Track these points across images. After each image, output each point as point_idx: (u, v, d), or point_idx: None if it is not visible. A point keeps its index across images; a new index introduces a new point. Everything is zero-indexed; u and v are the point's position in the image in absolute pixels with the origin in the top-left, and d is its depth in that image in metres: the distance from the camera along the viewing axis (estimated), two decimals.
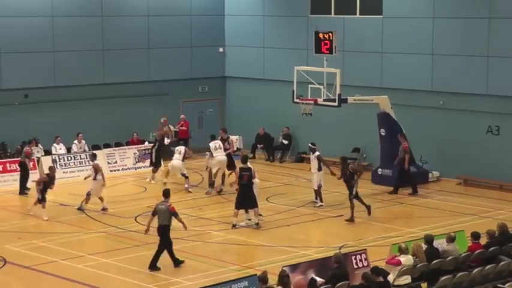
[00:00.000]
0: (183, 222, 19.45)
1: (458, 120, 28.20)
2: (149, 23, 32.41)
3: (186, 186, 26.68)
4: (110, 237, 21.66)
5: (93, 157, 25.46)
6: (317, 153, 24.43)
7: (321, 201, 24.65)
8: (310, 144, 24.90)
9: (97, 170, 24.22)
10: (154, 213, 19.16)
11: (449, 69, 28.17)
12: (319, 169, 24.37)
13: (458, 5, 28.01)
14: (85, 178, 24.83)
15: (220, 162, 26.28)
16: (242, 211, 22.16)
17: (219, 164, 26.25)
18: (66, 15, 30.38)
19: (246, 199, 21.95)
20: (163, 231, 18.97)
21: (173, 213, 19.09)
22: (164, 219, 18.98)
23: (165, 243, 18.97)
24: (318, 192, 24.65)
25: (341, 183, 28.05)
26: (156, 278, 18.38)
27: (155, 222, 19.27)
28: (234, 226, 22.07)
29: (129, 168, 30.03)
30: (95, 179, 24.19)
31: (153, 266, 18.80)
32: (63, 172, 28.26)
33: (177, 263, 19.03)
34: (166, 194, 19.37)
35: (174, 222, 19.34)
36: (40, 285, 18.36)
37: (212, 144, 26.44)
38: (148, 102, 32.38)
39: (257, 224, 22.20)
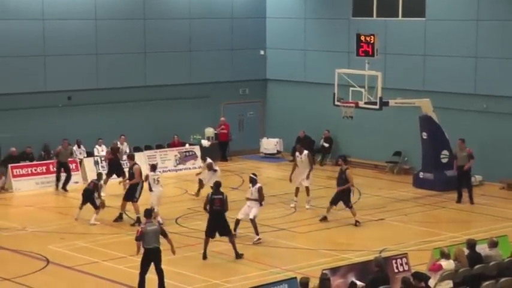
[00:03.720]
0: (172, 244, 17.56)
1: (501, 123, 27.88)
2: (191, 25, 32.57)
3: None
4: None
5: (152, 169, 23.67)
6: (258, 185, 21.53)
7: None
8: (251, 175, 21.81)
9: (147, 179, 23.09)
10: (141, 237, 17.07)
11: (493, 72, 27.86)
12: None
13: (502, 7, 27.70)
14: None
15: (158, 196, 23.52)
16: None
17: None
18: (109, 18, 30.66)
19: (217, 225, 19.83)
20: (158, 254, 17.17)
21: (164, 233, 17.41)
22: (156, 241, 17.13)
23: (159, 266, 17.21)
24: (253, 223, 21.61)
25: (383, 187, 28.00)
26: (195, 279, 18.41)
27: None
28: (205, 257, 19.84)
29: (170, 170, 30.16)
30: (151, 190, 23.05)
31: None
32: (105, 174, 28.41)
33: None
34: (149, 214, 17.60)
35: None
36: (82, 285, 18.51)
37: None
38: (190, 105, 32.53)
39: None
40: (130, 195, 23.23)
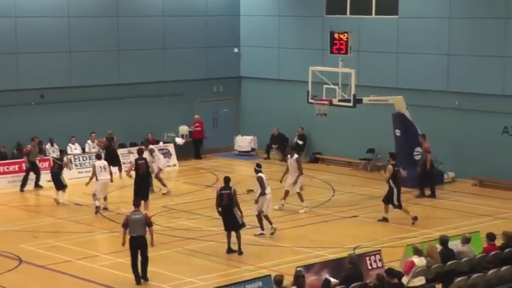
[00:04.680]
0: (153, 236, 18.12)
1: (473, 120, 28.10)
2: (165, 23, 32.48)
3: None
4: None
5: (98, 157, 25.25)
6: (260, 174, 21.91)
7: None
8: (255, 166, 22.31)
9: (95, 170, 24.06)
10: (127, 224, 17.86)
11: (465, 70, 28.07)
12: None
13: (474, 5, 27.91)
14: (87, 184, 24.61)
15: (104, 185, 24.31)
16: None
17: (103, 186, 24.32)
18: (82, 15, 30.49)
19: (226, 220, 20.15)
20: (142, 242, 17.84)
21: (149, 223, 18.01)
22: (141, 230, 17.81)
23: (144, 255, 17.93)
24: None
25: (356, 184, 28.12)
26: (170, 277, 18.40)
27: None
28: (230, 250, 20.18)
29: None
30: (97, 179, 23.99)
31: (139, 280, 18.01)
32: (78, 172, 28.36)
33: (143, 279, 17.91)
34: (137, 204, 18.47)
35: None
36: (55, 284, 18.43)
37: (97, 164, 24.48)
38: (164, 103, 32.45)
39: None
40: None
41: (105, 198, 24.38)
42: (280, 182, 24.52)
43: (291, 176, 24.18)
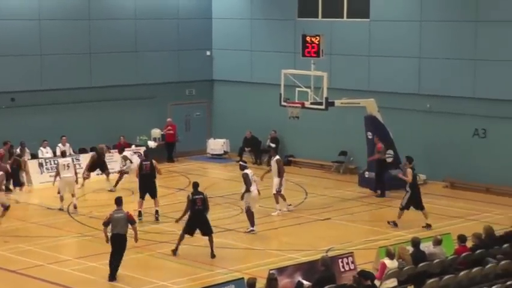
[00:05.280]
0: (136, 233, 18.79)
1: (445, 123, 28.30)
2: (136, 26, 32.39)
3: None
4: (96, 240, 21.54)
5: (62, 155, 25.87)
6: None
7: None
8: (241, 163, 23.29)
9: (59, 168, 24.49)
10: (108, 223, 18.45)
11: (436, 72, 28.27)
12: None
13: (445, 9, 28.12)
14: (53, 183, 24.98)
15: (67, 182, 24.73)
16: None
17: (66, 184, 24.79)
18: (53, 18, 30.32)
19: (199, 225, 20.29)
20: (123, 240, 18.43)
21: (131, 221, 18.60)
22: (122, 228, 18.40)
23: (121, 253, 18.40)
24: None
25: (329, 186, 28.22)
26: (142, 281, 18.33)
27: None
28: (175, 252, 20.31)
29: (116, 172, 29.91)
30: (60, 177, 24.47)
31: (113, 277, 18.37)
32: (50, 176, 28.07)
33: (114, 276, 18.31)
34: (119, 202, 18.79)
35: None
36: None
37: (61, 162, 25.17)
38: (136, 106, 32.35)
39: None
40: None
41: (72, 195, 24.34)
42: (261, 179, 24.65)
43: (275, 178, 24.34)
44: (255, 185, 22.27)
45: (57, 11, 30.43)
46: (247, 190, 21.92)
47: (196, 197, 20.18)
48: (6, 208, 22.68)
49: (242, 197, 22.20)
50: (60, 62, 30.48)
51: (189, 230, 20.23)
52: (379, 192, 26.86)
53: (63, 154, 25.93)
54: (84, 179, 27.42)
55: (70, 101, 30.72)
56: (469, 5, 27.38)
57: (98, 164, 28.05)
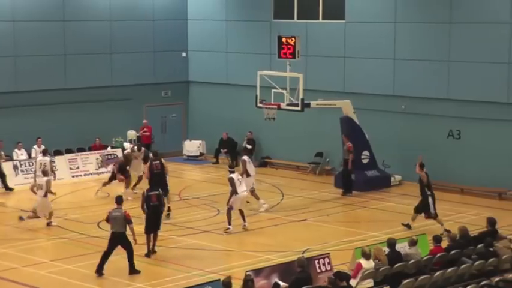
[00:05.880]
0: (134, 233, 18.96)
1: (420, 124, 28.46)
2: (112, 27, 32.26)
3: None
4: (72, 243, 21.50)
5: (43, 153, 26.44)
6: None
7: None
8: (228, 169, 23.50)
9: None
10: (108, 220, 19.05)
11: (411, 74, 28.43)
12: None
13: (419, 10, 28.28)
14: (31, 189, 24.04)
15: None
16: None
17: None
18: (27, 19, 30.13)
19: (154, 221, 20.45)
20: (122, 238, 18.82)
21: (128, 221, 18.84)
22: (120, 227, 18.83)
23: (129, 250, 18.86)
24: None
25: (305, 188, 28.27)
26: (118, 283, 18.27)
27: None
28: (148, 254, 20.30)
29: (91, 174, 29.83)
30: (45, 195, 22.90)
31: (100, 271, 18.70)
32: (25, 178, 27.97)
33: (134, 271, 18.80)
34: (119, 200, 19.21)
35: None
36: None
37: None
38: (111, 107, 32.22)
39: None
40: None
41: (51, 192, 24.07)
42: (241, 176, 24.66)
43: (245, 177, 24.34)
44: (244, 186, 22.72)
45: (31, 12, 30.24)
46: (235, 192, 22.31)
47: (151, 193, 20.44)
48: None
49: (229, 200, 22.41)
50: (34, 63, 30.29)
51: (148, 229, 20.32)
52: (342, 191, 27.03)
53: (44, 152, 26.42)
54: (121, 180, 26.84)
55: (44, 102, 30.53)
56: (442, 7, 27.55)
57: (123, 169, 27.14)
